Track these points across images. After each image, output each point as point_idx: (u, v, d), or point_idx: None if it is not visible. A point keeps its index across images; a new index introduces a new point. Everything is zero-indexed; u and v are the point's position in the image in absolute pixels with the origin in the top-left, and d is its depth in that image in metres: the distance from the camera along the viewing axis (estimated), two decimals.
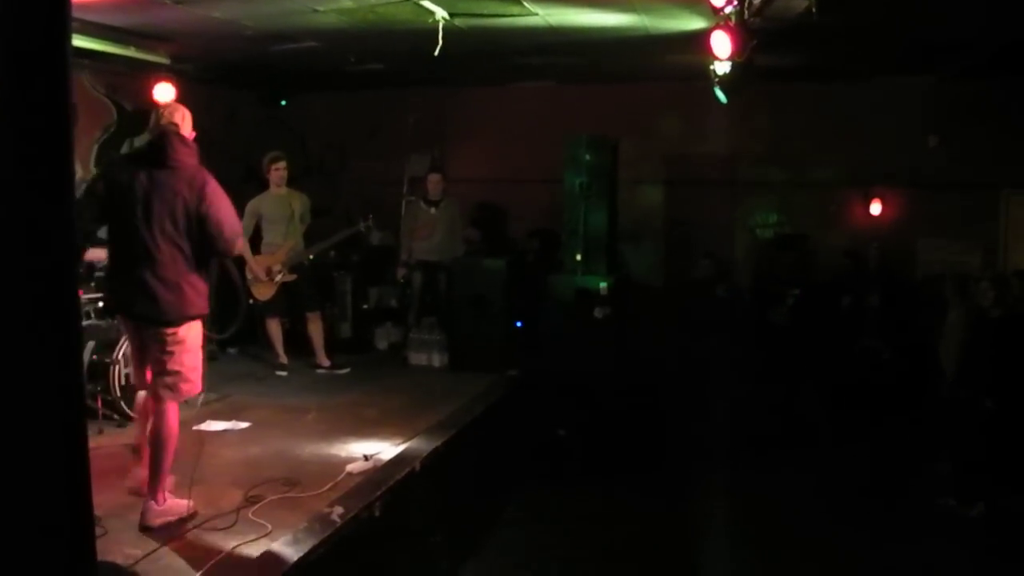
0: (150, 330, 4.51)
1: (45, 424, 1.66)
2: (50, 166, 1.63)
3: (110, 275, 4.76)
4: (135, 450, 5.49)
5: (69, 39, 1.67)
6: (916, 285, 9.43)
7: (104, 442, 5.71)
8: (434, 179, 9.40)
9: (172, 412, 4.54)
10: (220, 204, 4.52)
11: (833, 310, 9.31)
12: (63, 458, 1.70)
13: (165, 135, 4.54)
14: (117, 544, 4.01)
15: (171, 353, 4.51)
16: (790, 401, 8.31)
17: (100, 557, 3.08)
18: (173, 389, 4.54)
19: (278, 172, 8.26)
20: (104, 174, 4.77)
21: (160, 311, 4.42)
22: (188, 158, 4.54)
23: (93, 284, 6.86)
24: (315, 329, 8.34)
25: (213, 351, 9.24)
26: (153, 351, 4.55)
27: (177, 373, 4.53)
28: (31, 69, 1.55)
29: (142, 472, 4.59)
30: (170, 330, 4.47)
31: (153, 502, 4.41)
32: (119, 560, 3.85)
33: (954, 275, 8.19)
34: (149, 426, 4.56)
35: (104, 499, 4.14)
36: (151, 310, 4.43)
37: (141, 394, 4.81)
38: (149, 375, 4.64)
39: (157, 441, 4.48)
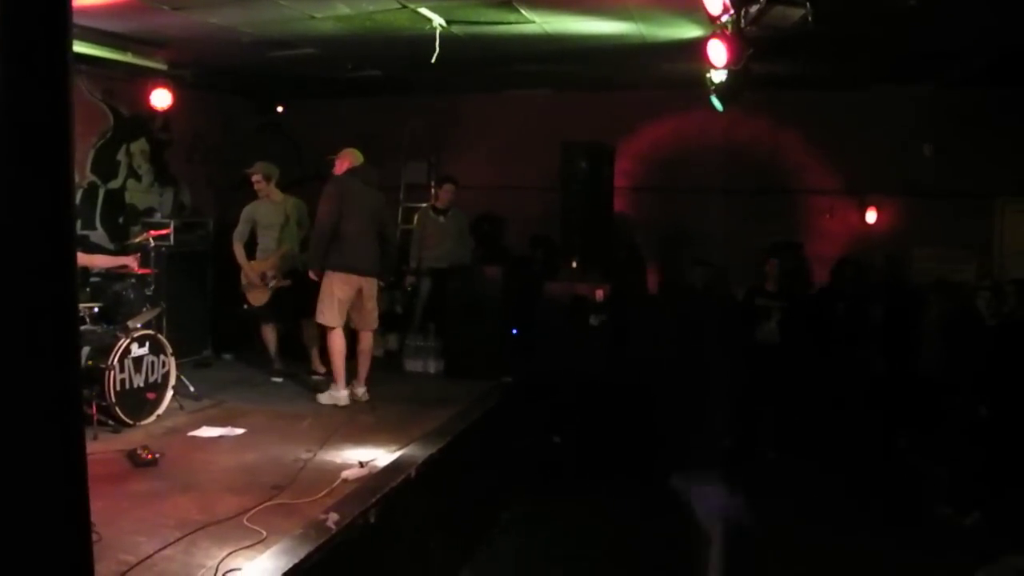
0: (368, 281, 7.27)
1: (42, 429, 1.66)
2: (51, 170, 1.63)
3: (345, 249, 7.08)
4: (130, 456, 5.52)
5: (70, 44, 1.68)
6: (914, 294, 9.42)
7: (98, 448, 5.68)
8: (447, 189, 9.42)
9: (372, 336, 7.59)
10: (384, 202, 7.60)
11: (827, 319, 9.28)
12: (61, 463, 1.70)
13: (364, 165, 7.42)
14: (111, 550, 3.99)
15: (374, 297, 7.43)
16: (785, 410, 8.29)
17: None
18: (375, 324, 7.59)
19: (257, 185, 8.25)
20: (343, 193, 7.13)
21: (377, 268, 7.38)
22: (373, 178, 7.43)
23: (88, 290, 6.85)
24: (310, 335, 8.31)
25: (208, 358, 9.26)
26: (366, 298, 7.30)
27: (375, 309, 7.52)
28: (32, 74, 1.56)
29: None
30: (376, 281, 7.43)
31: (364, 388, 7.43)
32: (113, 566, 3.83)
33: (939, 280, 8.23)
34: (361, 346, 7.41)
35: (98, 505, 4.13)
36: (374, 268, 7.34)
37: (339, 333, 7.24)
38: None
39: (364, 354, 7.43)
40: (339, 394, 7.26)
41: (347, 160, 7.41)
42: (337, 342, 7.21)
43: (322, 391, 7.49)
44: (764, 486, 7.33)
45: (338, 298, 7.13)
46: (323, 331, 7.43)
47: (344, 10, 6.63)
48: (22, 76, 1.53)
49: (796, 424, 8.11)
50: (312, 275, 7.29)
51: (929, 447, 7.45)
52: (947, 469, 7.02)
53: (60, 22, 1.65)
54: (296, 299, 8.20)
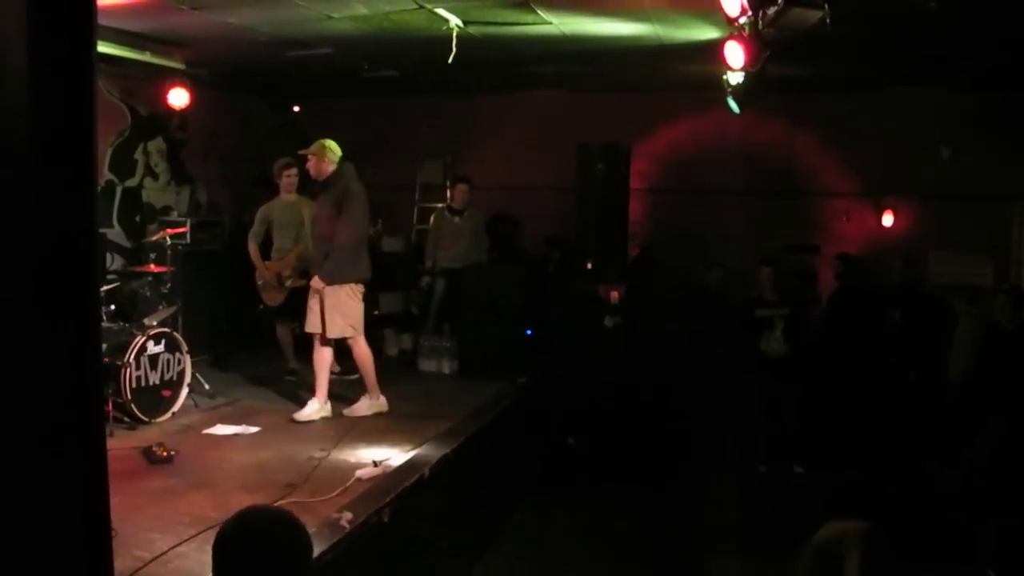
0: None
1: (63, 426, 1.67)
2: (74, 168, 1.64)
3: (363, 258, 6.91)
4: (145, 453, 5.55)
5: (95, 44, 1.69)
6: (932, 298, 9.29)
7: (115, 445, 5.69)
8: (461, 189, 9.42)
9: None
10: None
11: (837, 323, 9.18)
12: (80, 460, 1.71)
13: (350, 165, 6.98)
14: (126, 546, 4.01)
15: None
16: (801, 416, 8.24)
17: None
18: None
19: (289, 179, 8.27)
20: (366, 199, 6.95)
21: None
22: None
23: (104, 288, 6.89)
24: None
25: (223, 356, 9.29)
26: None
27: None
28: (58, 74, 1.57)
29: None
30: None
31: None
32: (128, 562, 3.86)
33: (965, 286, 8.14)
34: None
35: (114, 501, 4.15)
36: None
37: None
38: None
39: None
40: (380, 400, 7.06)
41: (325, 157, 6.86)
42: (367, 349, 7.03)
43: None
44: (781, 498, 7.30)
45: (360, 306, 6.96)
46: (342, 342, 7.10)
47: (361, 10, 6.64)
48: (48, 76, 1.54)
49: (808, 435, 8.05)
50: (327, 286, 6.77)
51: (946, 454, 7.39)
52: (963, 475, 6.96)
53: (86, 22, 1.66)
54: None
